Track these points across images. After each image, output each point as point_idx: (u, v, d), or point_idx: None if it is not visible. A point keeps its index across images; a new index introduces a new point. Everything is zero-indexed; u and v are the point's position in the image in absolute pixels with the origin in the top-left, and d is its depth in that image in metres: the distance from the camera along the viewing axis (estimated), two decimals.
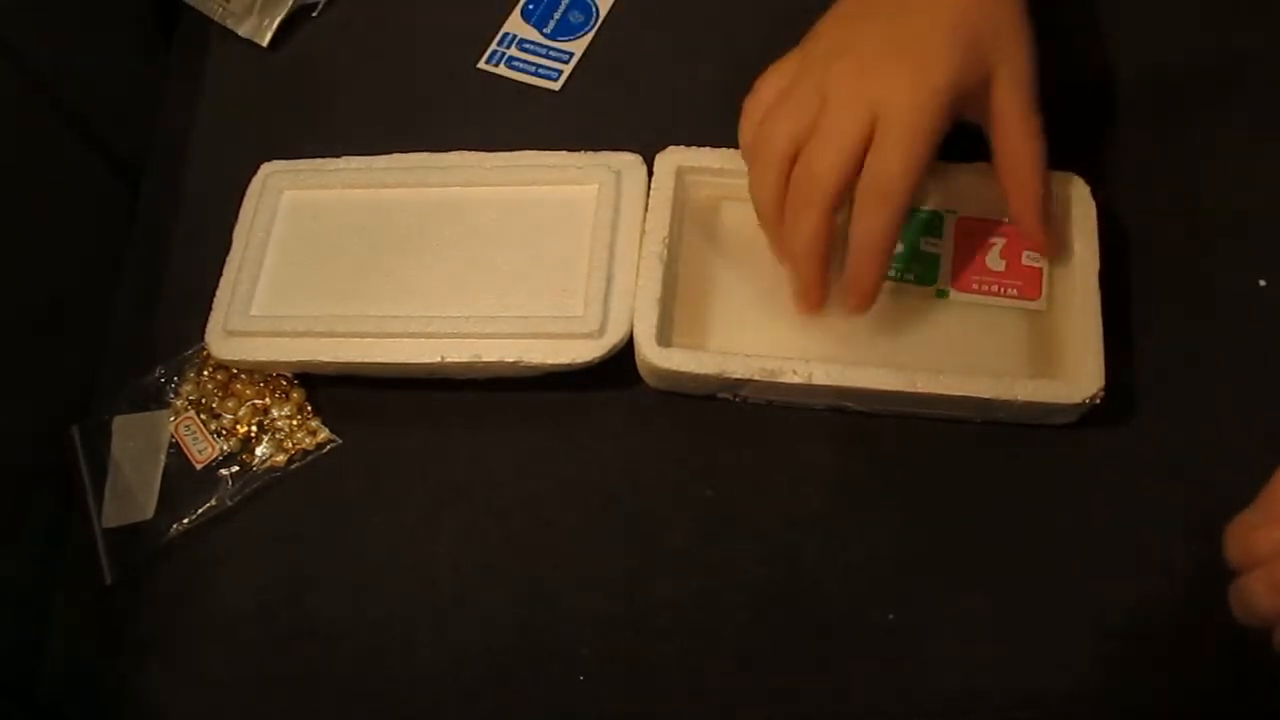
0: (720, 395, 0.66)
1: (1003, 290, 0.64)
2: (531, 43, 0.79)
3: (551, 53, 0.78)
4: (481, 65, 0.78)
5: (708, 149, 0.68)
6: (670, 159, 0.68)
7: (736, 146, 0.64)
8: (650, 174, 0.68)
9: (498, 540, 0.65)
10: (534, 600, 0.63)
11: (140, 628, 0.65)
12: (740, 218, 0.68)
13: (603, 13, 0.79)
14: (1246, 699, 0.57)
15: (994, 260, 0.62)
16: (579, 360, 0.64)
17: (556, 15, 0.79)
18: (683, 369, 0.63)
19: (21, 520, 0.67)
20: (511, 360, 0.64)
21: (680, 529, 0.64)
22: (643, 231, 0.66)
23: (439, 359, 0.64)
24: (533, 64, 0.78)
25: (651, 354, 0.63)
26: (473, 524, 0.65)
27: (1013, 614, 0.60)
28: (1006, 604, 0.60)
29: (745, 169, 0.65)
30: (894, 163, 0.56)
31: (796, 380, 0.62)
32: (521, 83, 0.77)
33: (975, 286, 0.64)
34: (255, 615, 0.64)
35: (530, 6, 0.80)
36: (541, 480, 0.66)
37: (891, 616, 0.60)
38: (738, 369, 0.63)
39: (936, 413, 0.64)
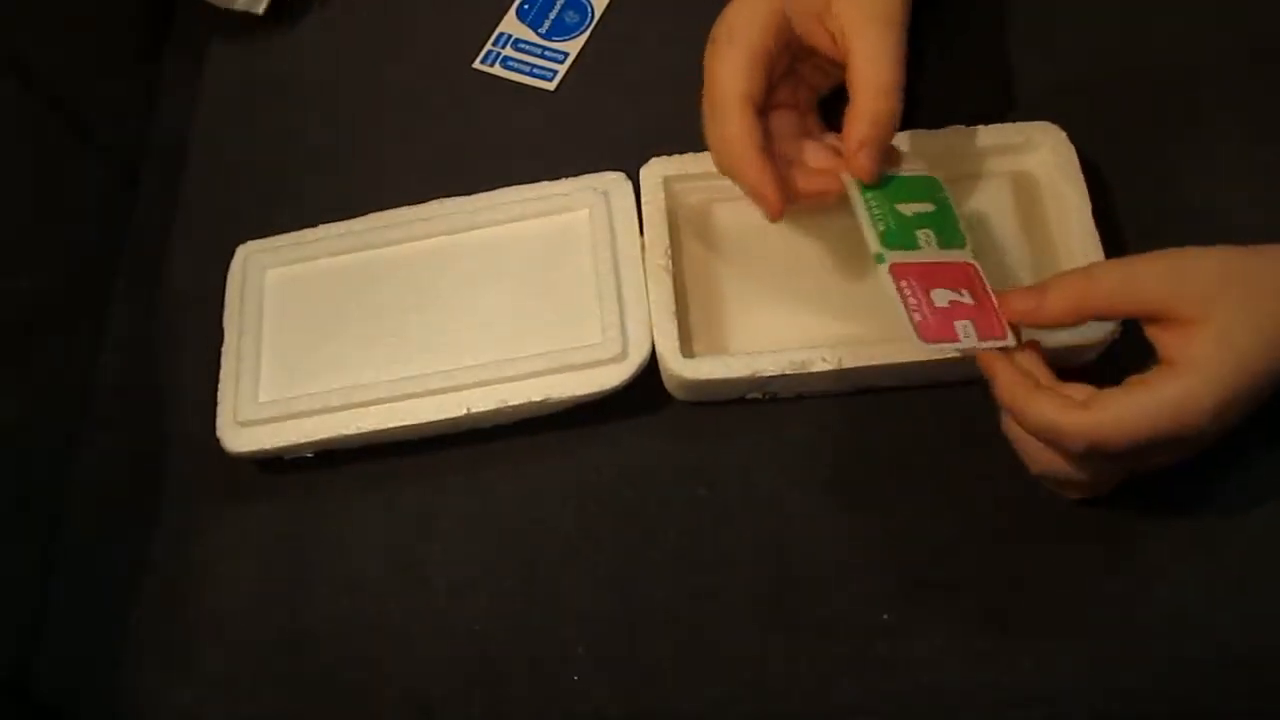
0: (749, 396, 0.65)
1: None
2: (527, 43, 0.78)
3: (547, 53, 0.78)
4: (476, 65, 0.78)
5: (690, 155, 0.68)
6: (655, 170, 0.68)
7: None
8: (636, 189, 0.68)
9: (492, 540, 0.64)
10: (528, 599, 0.62)
11: (140, 628, 0.64)
12: (734, 217, 0.68)
13: (598, 12, 0.79)
14: (1245, 698, 0.57)
15: (940, 297, 0.58)
16: (607, 387, 0.63)
17: (551, 15, 0.79)
18: (713, 376, 0.62)
19: (21, 519, 0.66)
20: (539, 399, 0.63)
21: (674, 528, 0.63)
22: (642, 247, 0.66)
23: (465, 411, 0.63)
24: (528, 64, 0.77)
25: (679, 367, 0.62)
26: (467, 524, 0.64)
27: (1008, 613, 0.60)
28: (1002, 603, 0.60)
29: None
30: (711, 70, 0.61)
31: (827, 367, 0.62)
32: (517, 83, 0.77)
33: (904, 289, 0.58)
34: (253, 615, 0.64)
35: (525, 6, 0.80)
36: (536, 480, 0.65)
37: (886, 616, 0.60)
38: (768, 366, 0.62)
39: (966, 376, 0.62)
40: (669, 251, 0.65)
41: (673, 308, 0.64)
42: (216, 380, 0.67)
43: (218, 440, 0.65)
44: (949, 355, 0.57)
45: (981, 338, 0.57)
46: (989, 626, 0.59)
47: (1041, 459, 0.56)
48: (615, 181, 0.68)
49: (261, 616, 0.64)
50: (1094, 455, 0.53)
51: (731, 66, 0.60)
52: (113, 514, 0.68)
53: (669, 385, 0.65)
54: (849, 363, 0.62)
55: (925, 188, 0.61)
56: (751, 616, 0.61)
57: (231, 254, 0.70)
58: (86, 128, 0.74)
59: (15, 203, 0.67)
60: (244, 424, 0.65)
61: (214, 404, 0.66)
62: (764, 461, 0.64)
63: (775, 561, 0.62)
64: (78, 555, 0.67)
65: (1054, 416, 0.53)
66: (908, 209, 0.60)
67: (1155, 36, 0.73)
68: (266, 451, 0.65)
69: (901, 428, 0.64)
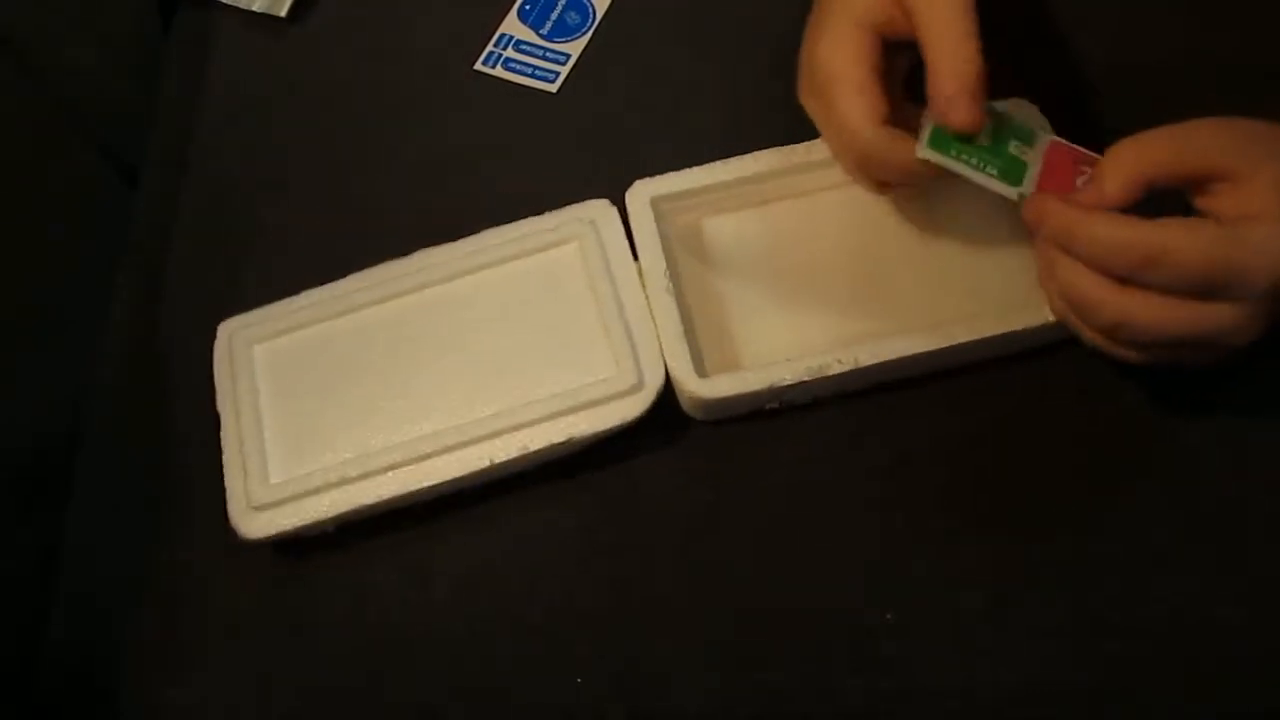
0: (768, 407, 0.64)
1: None
2: (528, 44, 0.77)
3: (548, 54, 0.76)
4: (478, 67, 0.77)
5: (672, 174, 0.67)
6: (641, 192, 0.66)
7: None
8: (623, 214, 0.67)
9: (494, 540, 0.64)
10: (531, 599, 0.62)
11: (140, 628, 0.65)
12: (725, 230, 0.68)
13: (599, 13, 0.78)
14: (1244, 698, 0.58)
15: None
16: (629, 418, 0.62)
17: (553, 16, 0.78)
18: (731, 393, 0.62)
19: (22, 520, 0.66)
20: (561, 440, 0.62)
21: (677, 529, 0.63)
22: (639, 272, 0.65)
23: (487, 462, 0.62)
24: (530, 65, 0.76)
25: (697, 388, 0.62)
26: (469, 524, 0.64)
27: (1012, 613, 0.60)
28: (1005, 603, 0.60)
29: (714, 182, 0.66)
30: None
31: (844, 368, 0.62)
32: (518, 84, 0.76)
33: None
34: (254, 615, 0.64)
35: (526, 7, 0.78)
36: (538, 480, 0.65)
37: (889, 616, 0.60)
38: (786, 375, 0.62)
39: (974, 358, 0.63)
40: (668, 273, 0.64)
41: (681, 329, 0.63)
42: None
43: (232, 528, 0.63)
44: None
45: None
46: (992, 626, 0.59)
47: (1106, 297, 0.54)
48: (601, 209, 0.67)
49: (262, 617, 0.64)
50: (1152, 271, 0.52)
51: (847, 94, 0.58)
52: (113, 514, 0.68)
53: (687, 407, 0.64)
54: (865, 360, 0.61)
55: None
56: (753, 616, 0.61)
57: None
58: (87, 128, 0.74)
59: (15, 202, 0.67)
60: (259, 508, 0.62)
61: (213, 399, 0.66)
62: (765, 462, 0.64)
63: (777, 561, 0.62)
64: (78, 555, 0.67)
65: (1122, 233, 0.52)
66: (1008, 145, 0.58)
67: (1157, 37, 0.73)
68: (286, 533, 0.62)
69: (901, 428, 0.64)
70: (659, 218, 0.66)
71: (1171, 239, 0.51)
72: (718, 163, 0.67)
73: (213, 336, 0.68)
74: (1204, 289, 0.52)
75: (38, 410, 0.69)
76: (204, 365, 0.67)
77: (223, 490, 0.64)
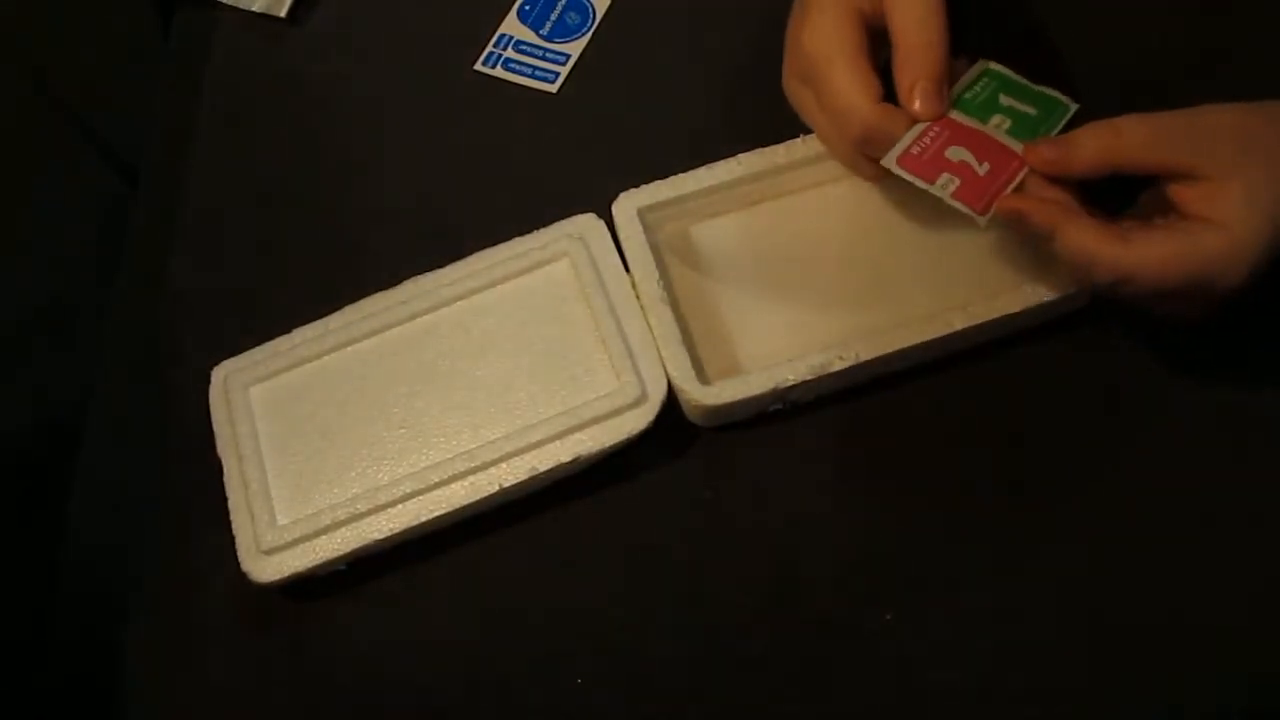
0: (772, 409, 0.64)
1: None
2: (528, 44, 0.77)
3: (548, 54, 0.76)
4: (478, 67, 0.77)
5: (657, 183, 0.67)
6: (627, 204, 0.66)
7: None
8: (610, 226, 0.67)
9: (495, 540, 0.64)
10: (532, 600, 0.63)
11: (140, 628, 0.65)
12: (713, 234, 0.68)
13: (599, 14, 0.77)
14: (1244, 698, 0.58)
15: (955, 154, 0.59)
16: (635, 432, 0.62)
17: (553, 16, 0.77)
18: (736, 398, 0.62)
19: (21, 520, 0.67)
20: (569, 459, 0.62)
21: (677, 529, 0.63)
22: (632, 284, 0.65)
23: (497, 487, 0.62)
24: (529, 66, 0.76)
25: (700, 395, 0.62)
26: (470, 524, 0.64)
27: (1012, 613, 0.60)
28: (1005, 603, 0.60)
29: (699, 188, 0.66)
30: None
31: (845, 365, 0.62)
32: (518, 85, 0.76)
33: (928, 132, 0.59)
34: (254, 615, 0.64)
35: (526, 8, 0.78)
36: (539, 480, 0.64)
37: (889, 616, 0.60)
38: (789, 375, 0.62)
39: (972, 344, 0.64)
40: (661, 282, 0.64)
41: (679, 337, 0.63)
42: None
43: (243, 572, 0.62)
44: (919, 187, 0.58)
45: (956, 195, 0.57)
46: (991, 625, 0.60)
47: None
48: (588, 224, 0.67)
49: (262, 617, 0.64)
50: (1119, 288, 0.54)
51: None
52: (113, 514, 0.68)
53: (692, 415, 0.64)
54: (866, 355, 0.62)
55: (1048, 106, 0.60)
56: (754, 617, 0.61)
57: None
58: (87, 128, 0.74)
59: (15, 202, 0.68)
60: (269, 551, 0.62)
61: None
62: (766, 463, 0.64)
63: (778, 562, 0.62)
64: (78, 555, 0.67)
65: (1091, 245, 0.54)
66: (1009, 101, 0.60)
67: (1156, 38, 0.72)
68: (299, 574, 0.62)
69: (901, 426, 0.64)
70: (647, 228, 0.66)
71: (1139, 262, 0.53)
72: (702, 168, 0.67)
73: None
74: (1172, 298, 0.55)
75: (38, 410, 0.69)
76: (204, 365, 0.67)
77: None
